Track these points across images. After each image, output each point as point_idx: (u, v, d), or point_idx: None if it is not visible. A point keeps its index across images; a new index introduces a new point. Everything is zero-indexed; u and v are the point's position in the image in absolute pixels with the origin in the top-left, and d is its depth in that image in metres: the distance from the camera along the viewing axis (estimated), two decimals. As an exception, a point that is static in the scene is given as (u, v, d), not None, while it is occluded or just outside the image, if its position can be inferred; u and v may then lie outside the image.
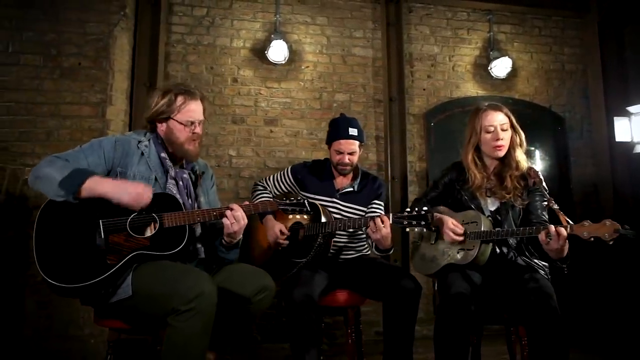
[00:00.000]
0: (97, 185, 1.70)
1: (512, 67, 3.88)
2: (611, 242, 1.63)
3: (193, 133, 1.93)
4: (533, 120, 3.96)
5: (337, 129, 2.45)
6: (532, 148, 3.97)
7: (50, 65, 2.96)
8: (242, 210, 1.87)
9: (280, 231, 2.33)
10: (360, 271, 2.33)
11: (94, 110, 2.96)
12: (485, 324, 2.18)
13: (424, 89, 3.87)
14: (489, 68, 3.88)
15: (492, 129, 2.08)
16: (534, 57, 4.07)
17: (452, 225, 2.02)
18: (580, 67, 4.13)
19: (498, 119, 2.08)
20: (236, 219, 1.84)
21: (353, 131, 2.41)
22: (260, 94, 3.60)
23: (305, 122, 3.64)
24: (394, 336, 2.12)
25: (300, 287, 2.09)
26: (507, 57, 3.81)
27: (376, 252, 2.29)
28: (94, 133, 2.89)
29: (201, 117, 1.96)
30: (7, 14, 2.97)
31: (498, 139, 2.06)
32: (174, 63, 3.48)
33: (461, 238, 2.01)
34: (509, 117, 2.11)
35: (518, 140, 2.10)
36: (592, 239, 1.66)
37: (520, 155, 2.08)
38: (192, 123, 1.92)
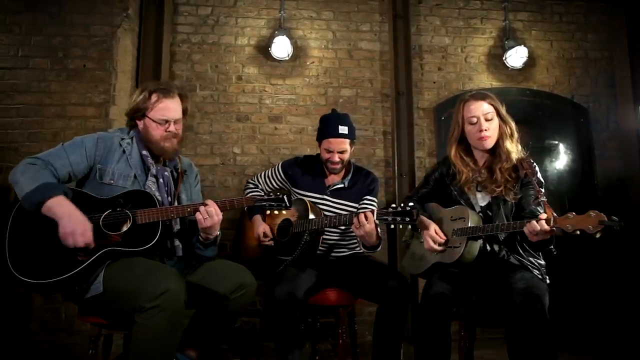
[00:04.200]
0: (54, 207, 1.66)
1: (530, 57, 3.68)
2: (598, 235, 1.49)
3: (167, 131, 1.91)
4: (553, 112, 3.76)
5: (327, 126, 2.39)
6: (554, 142, 3.76)
7: (57, 68, 3.06)
8: (216, 206, 1.84)
9: (264, 233, 2.30)
10: (351, 270, 2.27)
11: (98, 111, 3.03)
12: (478, 326, 2.06)
13: (434, 82, 3.73)
14: (503, 58, 3.69)
15: (475, 119, 1.95)
16: (554, 45, 3.84)
17: (434, 232, 1.92)
18: (605, 54, 3.86)
19: (481, 109, 1.95)
20: (209, 215, 1.82)
21: (343, 129, 2.35)
22: (265, 91, 3.58)
23: (310, 118, 3.59)
24: (380, 336, 2.06)
25: (282, 285, 2.05)
26: (522, 46, 3.61)
27: (364, 249, 2.22)
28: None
29: (177, 116, 1.95)
30: (18, 20, 3.09)
31: (482, 130, 1.93)
32: (179, 62, 3.52)
33: (440, 248, 1.92)
34: (494, 106, 1.97)
35: (508, 131, 1.96)
36: (578, 232, 1.52)
37: (510, 145, 1.94)
38: (167, 122, 1.91)
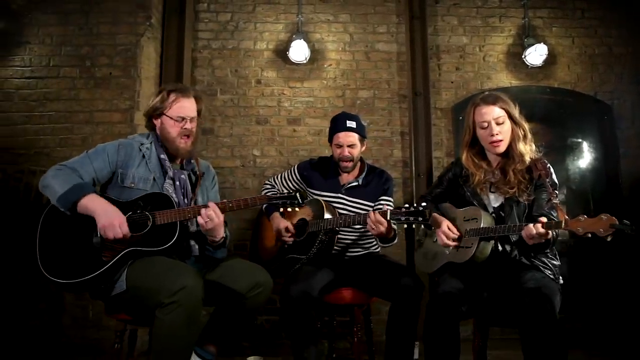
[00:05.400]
0: (89, 204, 1.79)
1: (551, 54, 3.65)
2: (609, 239, 1.49)
3: (184, 128, 2.01)
4: (575, 110, 3.70)
5: (336, 124, 2.47)
6: (577, 140, 3.70)
7: (85, 76, 3.22)
8: (216, 209, 1.88)
9: (286, 228, 2.35)
10: (366, 269, 2.30)
11: (123, 116, 3.17)
12: (490, 325, 2.07)
13: (452, 82, 3.73)
14: (523, 56, 3.65)
15: (486, 124, 1.95)
16: (575, 41, 3.78)
17: (447, 228, 1.94)
18: (630, 49, 3.76)
19: (492, 113, 1.94)
20: (209, 218, 1.86)
21: (351, 124, 2.41)
22: (283, 94, 3.65)
23: (328, 120, 3.49)
24: (393, 334, 2.10)
25: (297, 284, 2.11)
26: (542, 43, 3.57)
27: (381, 244, 2.27)
28: (123, 137, 3.09)
29: (192, 114, 2.04)
30: (50, 32, 3.27)
31: (493, 134, 1.92)
32: (200, 68, 3.63)
33: (454, 243, 1.93)
34: (505, 109, 1.95)
35: (520, 132, 1.94)
36: (589, 235, 1.52)
37: (523, 147, 1.93)
38: (183, 119, 2.01)
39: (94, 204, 1.79)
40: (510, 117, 1.95)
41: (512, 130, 1.95)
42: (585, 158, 3.69)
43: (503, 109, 1.95)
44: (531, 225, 1.66)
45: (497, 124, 1.93)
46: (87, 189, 1.83)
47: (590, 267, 3.47)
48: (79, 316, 2.98)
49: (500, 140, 1.93)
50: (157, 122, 2.07)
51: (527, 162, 1.92)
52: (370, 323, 2.54)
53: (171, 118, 2.02)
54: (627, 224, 1.47)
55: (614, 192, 3.60)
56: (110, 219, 1.76)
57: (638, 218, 3.32)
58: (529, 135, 1.96)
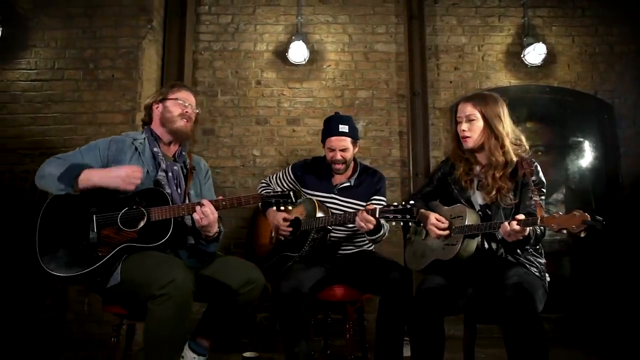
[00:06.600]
0: (91, 176, 1.88)
1: (550, 53, 3.65)
2: (582, 234, 1.51)
3: (185, 111, 2.11)
4: (575, 109, 3.70)
5: (329, 127, 2.50)
6: (577, 139, 3.69)
7: (88, 79, 3.30)
8: (211, 206, 1.94)
9: (284, 219, 2.39)
10: (357, 266, 2.34)
11: (125, 117, 3.24)
12: (477, 322, 2.09)
13: (451, 82, 3.74)
14: (522, 55, 3.65)
15: (459, 119, 2.02)
16: (576, 40, 3.76)
17: (435, 220, 1.97)
18: (632, 48, 3.74)
19: (464, 110, 2.00)
20: (204, 214, 1.92)
21: (343, 128, 2.44)
22: (283, 94, 3.70)
23: None
24: (382, 327, 2.14)
25: (288, 280, 2.16)
26: (540, 42, 3.57)
27: (368, 237, 2.31)
28: (123, 137, 3.17)
29: (193, 104, 2.16)
30: (54, 36, 3.36)
31: (461, 129, 1.99)
32: (201, 69, 3.69)
33: (446, 232, 1.95)
34: (480, 110, 1.96)
35: (494, 137, 1.93)
36: (564, 231, 1.55)
37: (497, 152, 1.92)
38: (185, 102, 2.12)
39: (96, 175, 1.88)
40: (485, 118, 1.96)
41: (485, 131, 1.96)
42: (585, 157, 3.68)
43: (477, 107, 1.98)
44: (506, 222, 1.69)
45: (468, 120, 1.98)
46: (84, 166, 1.91)
47: (590, 266, 3.47)
48: (82, 312, 3.06)
49: (468, 137, 1.98)
50: (158, 108, 2.14)
51: (502, 169, 1.92)
52: (364, 320, 2.57)
53: (174, 99, 2.13)
54: (599, 220, 1.49)
55: (614, 191, 3.58)
56: (121, 177, 1.86)
57: (638, 217, 3.34)
58: (506, 141, 1.93)
